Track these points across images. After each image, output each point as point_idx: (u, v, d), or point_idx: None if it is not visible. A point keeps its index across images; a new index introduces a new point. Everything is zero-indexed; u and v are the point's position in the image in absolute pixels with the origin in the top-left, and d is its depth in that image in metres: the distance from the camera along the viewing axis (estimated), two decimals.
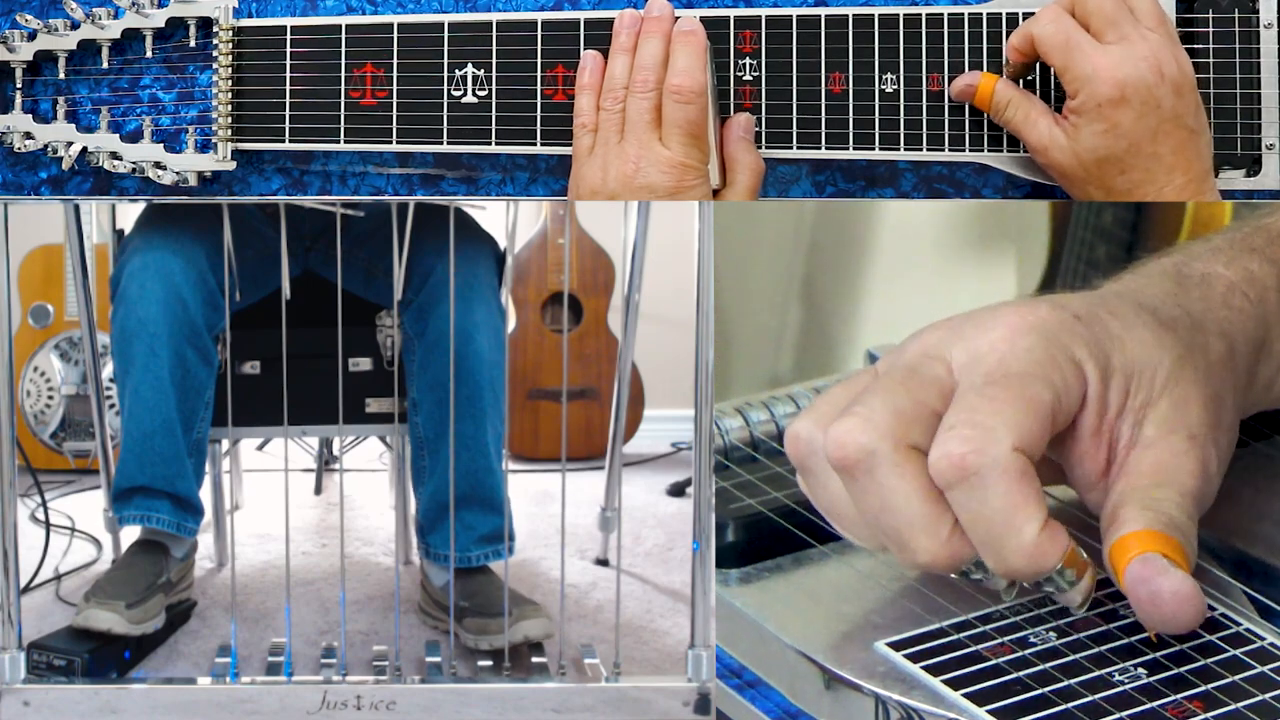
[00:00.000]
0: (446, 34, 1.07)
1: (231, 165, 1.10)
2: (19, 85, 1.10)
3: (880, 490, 0.72)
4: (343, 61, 1.08)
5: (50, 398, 2.80)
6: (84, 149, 1.10)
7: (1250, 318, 0.81)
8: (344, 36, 1.08)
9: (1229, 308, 0.81)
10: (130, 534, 1.88)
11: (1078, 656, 0.74)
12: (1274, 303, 0.83)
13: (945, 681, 0.74)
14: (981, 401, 0.72)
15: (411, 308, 1.77)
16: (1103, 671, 0.73)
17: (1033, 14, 1.02)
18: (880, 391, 0.73)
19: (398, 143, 1.08)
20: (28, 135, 1.10)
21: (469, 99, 1.07)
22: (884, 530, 0.73)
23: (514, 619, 1.65)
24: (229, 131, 1.09)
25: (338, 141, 1.09)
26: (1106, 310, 0.77)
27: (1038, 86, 1.03)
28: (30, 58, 1.10)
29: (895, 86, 1.05)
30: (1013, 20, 1.03)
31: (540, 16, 1.06)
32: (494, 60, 1.07)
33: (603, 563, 2.17)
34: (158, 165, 1.10)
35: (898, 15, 1.04)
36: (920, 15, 1.04)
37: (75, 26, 1.09)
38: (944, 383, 0.74)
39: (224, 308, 1.73)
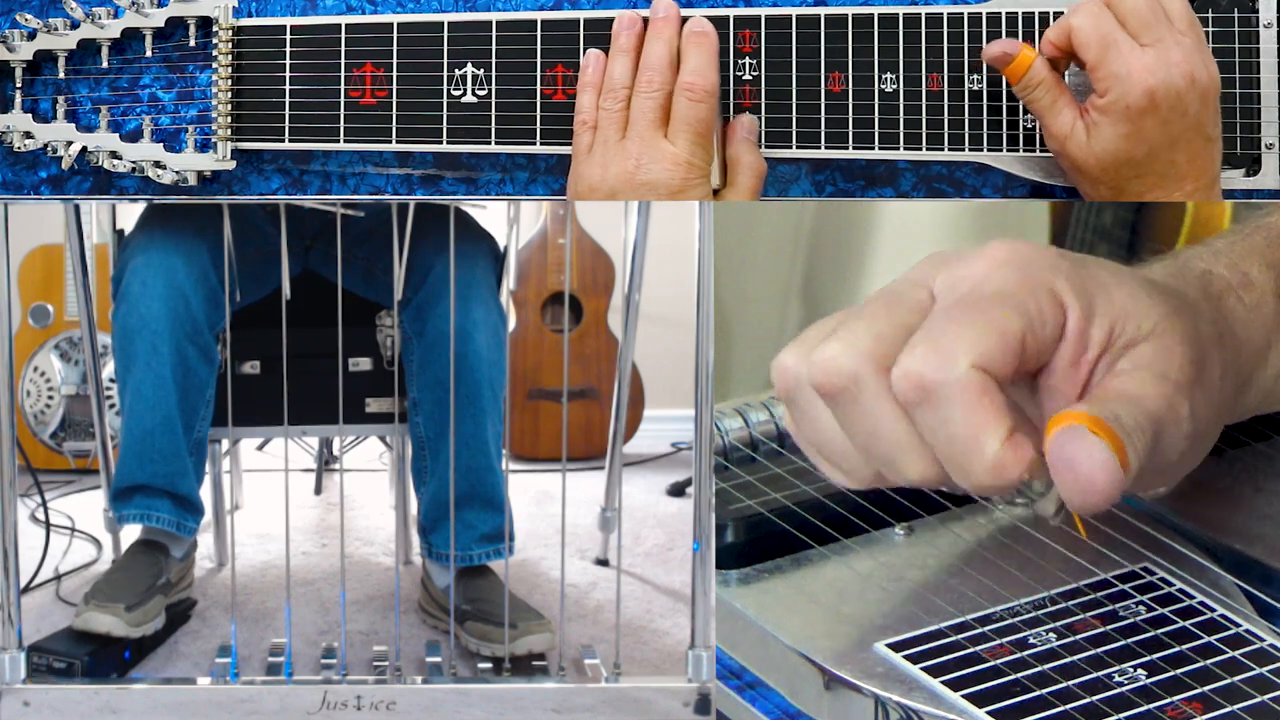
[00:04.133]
0: (446, 33, 1.07)
1: (231, 165, 1.10)
2: (19, 85, 1.10)
3: (866, 414, 0.72)
4: (342, 61, 1.08)
5: (50, 398, 2.80)
6: (84, 148, 1.10)
7: (1243, 322, 0.81)
8: (343, 36, 1.08)
9: (1223, 307, 0.80)
10: (130, 534, 1.88)
11: (1077, 658, 0.74)
12: (1272, 309, 0.82)
13: (945, 683, 0.74)
14: (945, 323, 0.71)
15: (410, 307, 1.77)
16: (1102, 673, 0.73)
17: (1033, 13, 1.02)
18: (863, 317, 0.73)
19: (397, 142, 1.08)
20: (27, 134, 1.10)
21: (468, 98, 1.07)
22: (874, 455, 0.72)
23: (519, 632, 1.65)
24: (229, 131, 1.09)
25: (337, 141, 1.09)
26: (1096, 261, 0.77)
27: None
28: (30, 57, 1.09)
29: (895, 86, 1.05)
30: (1012, 20, 1.03)
31: (540, 16, 1.06)
32: (494, 60, 1.07)
33: (603, 563, 2.17)
34: (157, 165, 1.10)
35: (897, 15, 1.04)
36: (920, 15, 1.04)
37: (75, 26, 1.09)
38: (925, 307, 0.73)
39: (225, 305, 1.73)
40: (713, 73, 1.00)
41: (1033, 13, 1.03)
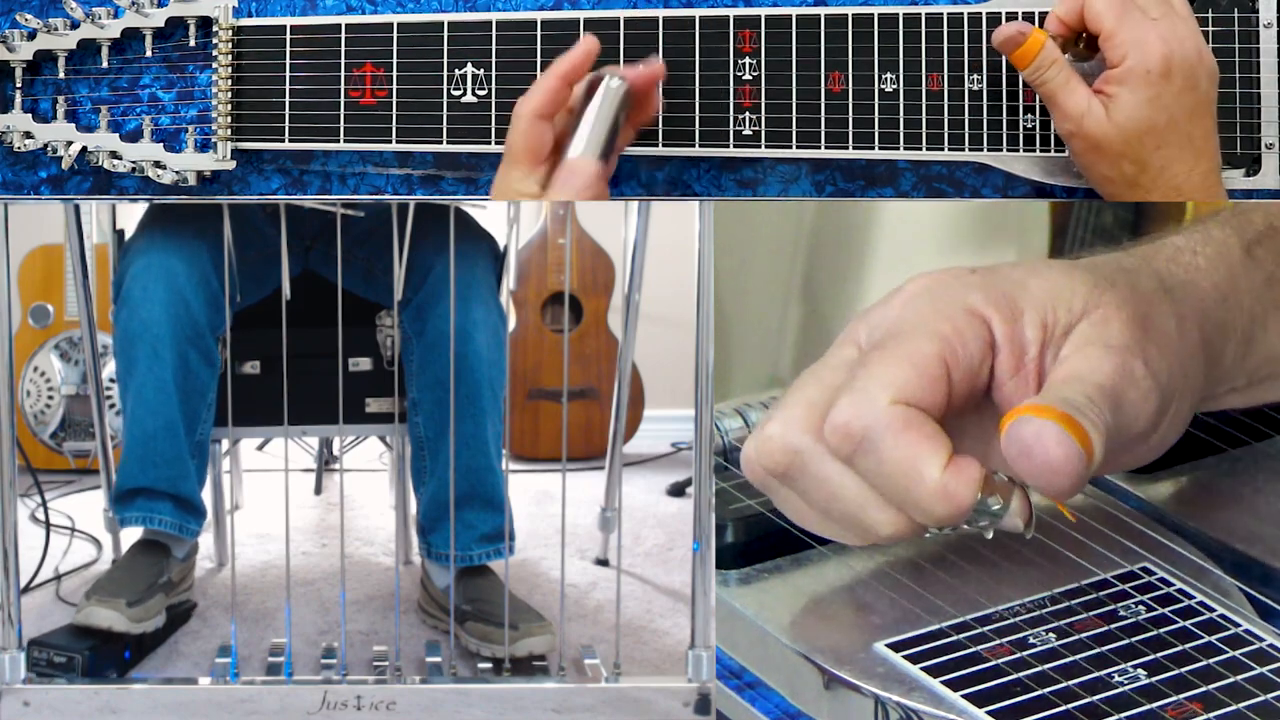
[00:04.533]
0: (446, 33, 1.07)
1: (231, 165, 1.10)
2: (19, 85, 1.10)
3: (818, 483, 0.72)
4: (342, 61, 1.08)
5: (50, 398, 2.80)
6: (84, 148, 1.10)
7: (1204, 271, 0.80)
8: (344, 36, 1.08)
9: (1175, 263, 0.80)
10: (131, 533, 1.88)
11: (1077, 657, 0.74)
12: (1238, 258, 0.81)
13: (945, 682, 0.74)
14: (861, 369, 0.71)
15: (410, 307, 1.77)
16: (1102, 672, 0.73)
17: (1032, 13, 1.02)
18: (793, 390, 0.74)
19: (397, 142, 1.08)
20: (27, 134, 1.10)
21: (468, 98, 1.07)
22: (840, 519, 0.72)
23: (520, 634, 1.65)
24: (229, 131, 1.09)
25: (337, 141, 1.09)
26: (1011, 265, 0.77)
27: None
28: (30, 57, 1.09)
29: (895, 86, 1.05)
30: (1012, 20, 1.03)
31: (540, 16, 1.06)
32: (493, 59, 1.07)
33: (603, 563, 2.17)
34: (157, 165, 1.10)
35: (897, 15, 1.04)
36: (920, 15, 1.04)
37: (75, 26, 1.09)
38: (852, 362, 0.74)
39: (226, 308, 1.73)
40: (535, 95, 1.00)
41: (1032, 12, 1.03)
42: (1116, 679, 0.73)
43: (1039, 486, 0.69)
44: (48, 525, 2.19)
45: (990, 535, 0.72)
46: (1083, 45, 1.00)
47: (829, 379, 0.73)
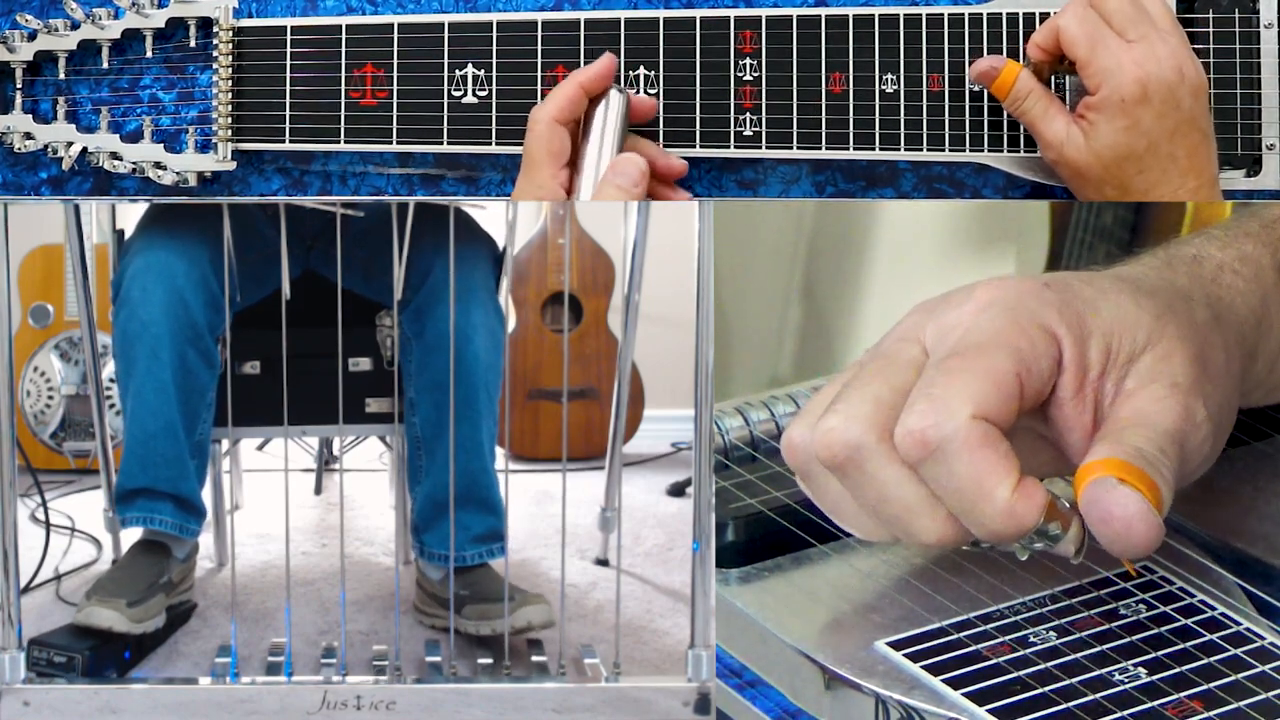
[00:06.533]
0: (447, 34, 1.07)
1: (231, 165, 1.10)
2: (19, 85, 1.10)
3: (873, 481, 0.72)
4: (343, 61, 1.08)
5: (50, 398, 2.80)
6: (84, 149, 1.10)
7: (1242, 294, 0.81)
8: (344, 36, 1.08)
9: (1218, 284, 0.81)
10: (132, 534, 1.88)
11: (1078, 655, 0.74)
12: (1271, 280, 0.82)
13: (945, 681, 0.74)
14: (939, 375, 0.72)
15: (409, 308, 1.77)
16: (1103, 670, 0.73)
17: (1033, 14, 1.02)
18: (858, 384, 0.74)
19: (398, 143, 1.08)
20: (28, 135, 1.10)
21: (469, 99, 1.07)
22: (886, 519, 0.74)
23: (516, 604, 1.65)
24: (229, 131, 1.09)
25: (338, 141, 1.09)
26: (1080, 279, 0.77)
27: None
28: (30, 58, 1.10)
29: (895, 86, 1.05)
30: (1012, 20, 1.04)
31: (540, 17, 1.06)
32: (494, 60, 1.07)
33: (603, 563, 2.17)
34: (158, 165, 1.10)
35: (898, 15, 1.04)
36: (920, 15, 1.04)
37: (75, 27, 1.09)
38: (919, 362, 0.74)
39: (225, 309, 1.73)
40: (553, 101, 1.01)
41: (1033, 13, 1.03)
42: (1117, 677, 0.73)
43: (1110, 549, 0.71)
44: (48, 525, 2.19)
45: (1025, 557, 0.73)
46: (1067, 64, 1.01)
47: (896, 378, 0.73)
